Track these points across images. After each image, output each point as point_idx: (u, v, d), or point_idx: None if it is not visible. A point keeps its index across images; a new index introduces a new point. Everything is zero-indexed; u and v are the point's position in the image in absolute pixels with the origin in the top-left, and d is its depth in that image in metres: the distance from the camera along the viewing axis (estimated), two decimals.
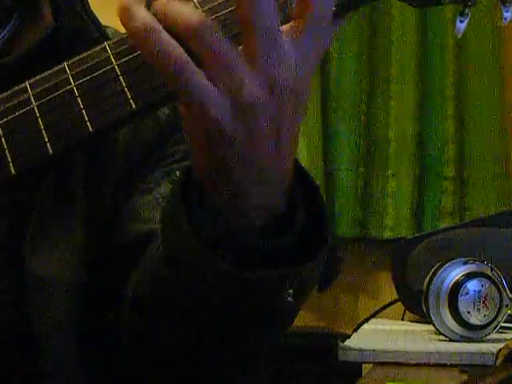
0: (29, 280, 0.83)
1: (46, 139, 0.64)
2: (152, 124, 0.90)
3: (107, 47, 0.66)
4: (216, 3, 0.65)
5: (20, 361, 0.83)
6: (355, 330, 1.48)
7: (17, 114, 0.65)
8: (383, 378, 1.07)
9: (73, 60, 0.66)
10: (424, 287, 1.33)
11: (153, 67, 0.61)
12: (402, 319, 1.80)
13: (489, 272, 1.30)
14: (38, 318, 0.83)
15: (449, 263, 1.33)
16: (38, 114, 0.65)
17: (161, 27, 0.60)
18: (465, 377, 1.05)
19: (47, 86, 0.65)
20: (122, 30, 0.95)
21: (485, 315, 1.29)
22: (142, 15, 0.60)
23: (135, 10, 0.60)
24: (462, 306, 1.28)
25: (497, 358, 0.95)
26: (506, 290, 1.30)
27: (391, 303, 1.74)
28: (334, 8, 0.67)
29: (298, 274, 0.69)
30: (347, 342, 1.25)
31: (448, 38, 2.41)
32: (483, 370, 1.08)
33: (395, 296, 1.73)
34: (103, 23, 0.92)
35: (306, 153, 2.41)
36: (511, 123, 2.44)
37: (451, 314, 1.29)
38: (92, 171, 0.87)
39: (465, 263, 1.32)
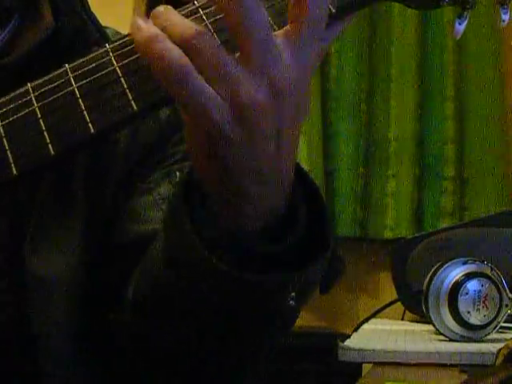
0: (29, 280, 0.83)
1: (48, 140, 0.64)
2: (152, 124, 0.90)
3: (108, 49, 0.66)
4: (214, 7, 0.65)
5: (20, 361, 0.83)
6: (355, 330, 1.48)
7: (18, 115, 0.65)
8: (383, 378, 1.07)
9: (74, 62, 0.66)
10: (424, 287, 1.33)
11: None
12: (402, 319, 1.80)
13: (489, 272, 1.30)
14: (37, 318, 0.83)
15: (449, 263, 1.33)
16: (39, 115, 0.65)
17: (164, 35, 0.61)
18: (465, 377, 1.05)
19: (49, 87, 0.66)
20: (122, 30, 0.95)
21: (485, 315, 1.28)
22: (148, 26, 0.62)
23: (141, 23, 0.62)
24: (462, 306, 1.28)
25: (497, 357, 0.95)
26: (505, 290, 1.30)
27: (391, 303, 1.74)
28: (334, 11, 0.67)
29: (299, 277, 0.69)
30: (347, 342, 1.25)
31: (448, 38, 2.41)
32: (483, 369, 1.08)
33: (395, 296, 1.73)
34: (103, 23, 0.92)
35: (305, 153, 2.41)
36: (511, 123, 2.45)
37: (451, 314, 1.29)
38: (93, 172, 0.87)
39: (465, 263, 1.31)
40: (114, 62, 0.65)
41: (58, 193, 0.86)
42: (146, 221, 0.86)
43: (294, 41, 0.63)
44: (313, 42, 0.63)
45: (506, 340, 1.23)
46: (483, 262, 1.32)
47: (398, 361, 1.17)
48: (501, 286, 1.30)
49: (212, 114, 0.61)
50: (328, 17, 0.65)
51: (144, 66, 0.64)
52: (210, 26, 0.65)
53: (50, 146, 0.64)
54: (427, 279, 1.33)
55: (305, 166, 0.72)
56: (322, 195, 0.72)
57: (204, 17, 0.65)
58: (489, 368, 1.07)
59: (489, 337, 1.29)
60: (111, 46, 0.66)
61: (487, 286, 1.29)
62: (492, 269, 1.31)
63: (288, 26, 0.63)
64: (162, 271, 0.74)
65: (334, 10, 0.67)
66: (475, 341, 1.27)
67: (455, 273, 1.31)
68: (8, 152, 0.64)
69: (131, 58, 0.65)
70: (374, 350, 1.19)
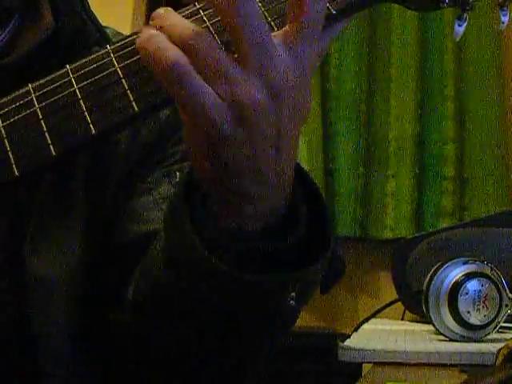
0: (29, 280, 0.83)
1: (49, 141, 0.64)
2: (152, 124, 0.90)
3: (109, 50, 0.66)
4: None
5: (20, 361, 0.83)
6: (355, 330, 1.48)
7: (20, 115, 0.66)
8: (383, 378, 1.07)
9: (75, 63, 0.66)
10: (424, 287, 1.33)
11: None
12: (402, 319, 1.80)
13: (489, 272, 1.30)
14: (37, 318, 0.83)
15: (449, 263, 1.33)
16: (40, 116, 0.65)
17: (163, 35, 0.61)
18: (465, 377, 1.05)
19: (50, 88, 0.66)
20: (122, 30, 0.95)
21: (485, 315, 1.28)
22: (147, 27, 0.63)
23: (144, 28, 0.63)
24: (462, 306, 1.28)
25: (497, 358, 0.95)
26: (505, 290, 1.30)
27: (391, 303, 1.74)
28: (334, 12, 0.67)
29: (300, 277, 0.69)
30: (347, 342, 1.25)
31: (448, 39, 2.41)
32: (483, 369, 1.08)
33: (395, 296, 1.73)
34: (103, 23, 0.92)
35: (305, 153, 2.41)
36: (511, 123, 2.45)
37: (451, 314, 1.29)
38: (93, 173, 0.87)
39: (465, 263, 1.31)
40: (115, 63, 0.66)
41: (58, 193, 0.86)
42: (146, 221, 0.87)
43: (292, 41, 0.63)
44: (312, 42, 0.63)
45: (506, 340, 1.23)
46: (483, 262, 1.32)
47: (398, 361, 1.17)
48: (501, 286, 1.30)
49: (211, 114, 0.61)
50: (328, 18, 0.65)
51: (145, 67, 0.64)
52: (210, 28, 0.65)
53: (51, 146, 0.64)
54: (427, 279, 1.33)
55: (305, 166, 0.72)
56: (323, 195, 0.72)
57: (205, 18, 0.66)
58: (489, 368, 1.07)
59: (489, 337, 1.29)
60: (112, 47, 0.66)
61: (487, 286, 1.29)
62: (492, 269, 1.30)
63: (287, 27, 0.63)
64: (162, 271, 0.74)
65: (334, 12, 0.67)
66: (475, 341, 1.27)
67: (455, 273, 1.31)
68: (9, 153, 0.65)
69: (132, 59, 0.65)
70: (374, 350, 1.19)
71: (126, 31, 0.95)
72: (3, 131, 0.65)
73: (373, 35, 2.49)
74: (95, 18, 0.91)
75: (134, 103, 0.64)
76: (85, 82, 0.66)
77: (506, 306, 1.29)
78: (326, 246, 0.70)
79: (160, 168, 0.90)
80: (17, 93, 0.67)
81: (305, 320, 2.29)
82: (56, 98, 0.66)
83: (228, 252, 0.68)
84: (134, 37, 0.66)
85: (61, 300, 0.84)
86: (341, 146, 2.49)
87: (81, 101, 0.65)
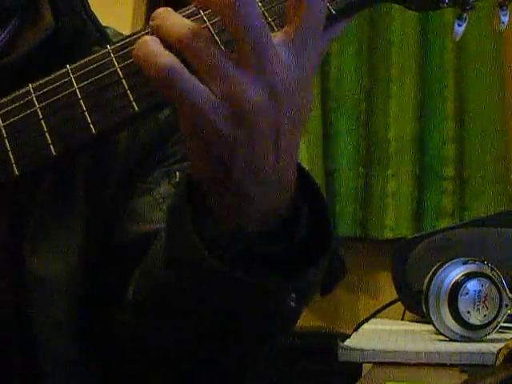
0: (29, 280, 0.83)
1: (50, 141, 0.65)
2: (152, 124, 0.90)
3: (110, 50, 0.66)
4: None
5: (20, 361, 0.83)
6: (355, 330, 1.48)
7: (20, 115, 0.66)
8: (383, 378, 1.07)
9: (76, 63, 0.67)
10: (424, 287, 1.33)
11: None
12: (402, 319, 1.80)
13: (489, 272, 1.30)
14: (37, 318, 0.83)
15: (449, 263, 1.33)
16: (41, 116, 0.65)
17: (155, 38, 0.62)
18: (465, 377, 1.05)
19: (50, 88, 0.66)
20: (122, 30, 0.95)
21: (485, 315, 1.28)
22: (146, 36, 0.63)
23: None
24: (462, 306, 1.28)
25: (497, 358, 0.95)
26: (505, 290, 1.30)
27: (391, 303, 1.74)
28: (334, 12, 0.67)
29: (300, 278, 0.69)
30: (347, 342, 1.25)
31: (448, 39, 2.41)
32: (483, 370, 1.08)
33: (395, 296, 1.73)
34: (103, 23, 0.92)
35: (305, 153, 2.41)
36: (511, 123, 2.45)
37: (451, 314, 1.29)
38: (94, 173, 0.87)
39: (465, 263, 1.32)
40: (116, 63, 0.66)
41: (58, 193, 0.86)
42: (147, 221, 0.87)
43: (292, 41, 0.63)
44: (312, 42, 0.63)
45: (506, 340, 1.23)
46: (483, 262, 1.32)
47: (398, 361, 1.17)
48: (501, 286, 1.30)
49: (208, 114, 0.61)
50: (328, 18, 0.65)
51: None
52: (210, 27, 0.65)
53: (51, 146, 0.64)
54: (427, 279, 1.33)
55: (305, 166, 0.72)
56: (324, 195, 0.72)
57: (205, 18, 0.66)
58: (489, 368, 1.07)
59: (489, 337, 1.29)
60: (112, 47, 0.66)
61: (487, 285, 1.29)
62: (492, 269, 1.31)
63: (287, 27, 0.63)
64: (163, 271, 0.74)
65: (333, 12, 0.67)
66: (475, 341, 1.27)
67: (455, 273, 1.31)
68: (10, 153, 0.65)
69: (132, 60, 0.65)
70: (374, 350, 1.19)
71: (126, 31, 0.95)
72: (3, 131, 0.65)
73: (373, 35, 2.49)
74: (95, 17, 0.91)
75: (134, 103, 0.64)
76: (85, 82, 0.66)
77: (506, 305, 1.29)
78: (327, 246, 0.70)
79: (160, 168, 0.90)
80: (17, 93, 0.67)
81: (305, 320, 2.29)
82: (56, 97, 0.66)
83: (228, 252, 0.68)
84: (135, 37, 0.66)
85: (61, 300, 0.84)
86: (341, 146, 2.49)
87: (81, 101, 0.65)
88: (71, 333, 0.85)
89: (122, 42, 0.66)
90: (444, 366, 1.15)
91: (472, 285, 1.29)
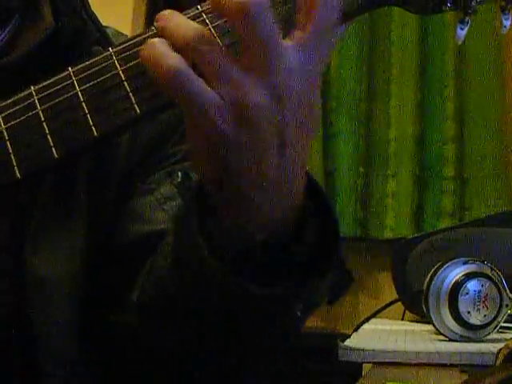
0: (29, 280, 0.83)
1: (51, 143, 0.65)
2: (152, 125, 0.90)
3: (112, 53, 0.66)
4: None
5: (20, 361, 0.83)
6: (355, 330, 1.48)
7: (22, 118, 0.66)
8: (383, 378, 1.07)
9: (78, 66, 0.67)
10: (424, 287, 1.33)
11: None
12: (402, 319, 1.80)
13: (489, 272, 1.30)
14: (38, 319, 0.83)
15: (449, 263, 1.33)
16: (43, 119, 0.65)
17: (163, 40, 0.62)
18: (465, 377, 1.05)
19: (52, 90, 0.66)
20: (122, 30, 0.95)
21: (485, 315, 1.29)
22: (155, 38, 0.63)
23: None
24: (462, 306, 1.28)
25: (497, 358, 0.95)
26: (506, 290, 1.30)
27: (391, 303, 1.74)
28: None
29: (303, 291, 0.68)
30: (347, 342, 1.25)
31: (448, 39, 2.41)
32: (483, 370, 1.08)
33: (395, 296, 1.73)
34: (103, 23, 0.92)
35: None
36: (511, 123, 2.44)
37: (451, 314, 1.29)
38: (95, 175, 0.87)
39: (465, 263, 1.32)
40: (118, 66, 0.66)
41: (59, 195, 0.86)
42: (148, 221, 0.86)
43: (302, 46, 0.62)
44: (322, 47, 0.63)
45: (506, 340, 1.23)
46: (483, 262, 1.32)
47: (398, 361, 1.17)
48: (501, 286, 1.30)
49: (211, 115, 0.61)
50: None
51: (147, 70, 0.64)
52: (212, 30, 0.65)
53: (53, 149, 0.64)
54: (427, 279, 1.34)
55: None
56: (335, 210, 0.71)
57: (207, 21, 0.66)
58: (489, 368, 1.07)
59: (489, 337, 1.29)
60: (115, 49, 0.66)
61: (487, 285, 1.29)
62: (492, 269, 1.31)
63: (296, 32, 0.63)
64: (169, 271, 0.74)
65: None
66: (475, 341, 1.27)
67: (455, 273, 1.31)
68: (11, 155, 0.65)
69: (135, 62, 0.65)
70: (373, 350, 1.19)
71: (126, 31, 0.95)
72: (5, 133, 0.65)
73: (373, 35, 2.49)
74: (95, 17, 0.91)
75: (136, 106, 0.65)
76: (87, 85, 0.66)
77: (506, 305, 1.29)
78: (334, 259, 0.69)
79: (161, 168, 0.90)
80: (19, 95, 0.67)
81: None
82: (58, 100, 0.66)
83: (228, 252, 0.68)
84: (137, 39, 0.66)
85: (61, 300, 0.84)
86: (341, 146, 2.49)
87: (83, 103, 0.65)
88: (71, 333, 0.85)
89: (125, 45, 0.67)
90: (444, 366, 1.15)
91: (472, 285, 1.29)
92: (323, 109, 2.47)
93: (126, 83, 0.65)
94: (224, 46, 0.63)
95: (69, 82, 0.66)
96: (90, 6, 0.91)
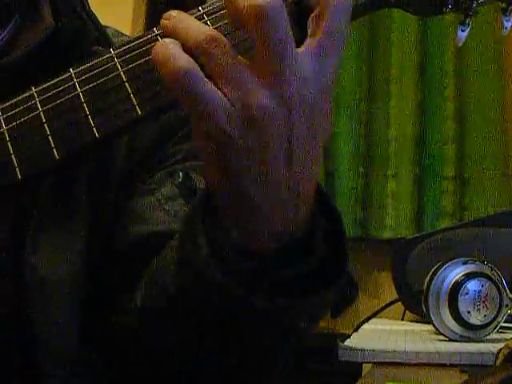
0: (29, 281, 0.83)
1: (53, 144, 0.65)
2: (152, 125, 0.90)
3: (113, 55, 0.66)
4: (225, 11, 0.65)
5: (20, 361, 0.83)
6: (355, 330, 1.48)
7: (23, 119, 0.66)
8: (383, 378, 1.07)
9: (79, 67, 0.67)
10: (424, 287, 1.33)
11: (159, 75, 0.62)
12: (402, 319, 1.80)
13: (489, 272, 1.30)
14: (38, 318, 0.83)
15: (449, 263, 1.33)
16: (44, 120, 0.65)
17: (177, 43, 0.61)
18: (465, 377, 1.05)
19: (54, 92, 0.66)
20: (122, 30, 0.95)
21: (485, 315, 1.29)
22: (166, 39, 0.63)
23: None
24: (462, 306, 1.28)
25: (497, 358, 0.95)
26: (506, 290, 1.30)
27: (391, 303, 1.74)
28: None
29: (306, 304, 0.68)
30: (347, 342, 1.25)
31: (448, 39, 2.41)
32: (483, 370, 1.08)
33: (395, 296, 1.73)
34: (103, 23, 0.92)
35: None
36: (511, 123, 2.44)
37: (451, 314, 1.29)
38: (96, 176, 0.87)
39: (465, 263, 1.32)
40: (119, 67, 0.66)
41: (60, 196, 0.86)
42: (149, 221, 0.86)
43: (315, 54, 0.62)
44: (334, 56, 0.63)
45: (506, 340, 1.23)
46: (483, 262, 1.32)
47: (398, 361, 1.17)
48: (501, 286, 1.30)
49: (219, 119, 0.61)
50: None
51: (148, 71, 0.64)
52: None
53: (54, 150, 0.65)
54: (427, 279, 1.34)
55: None
56: (343, 221, 0.71)
57: (209, 23, 0.66)
58: (489, 368, 1.07)
59: (489, 337, 1.29)
60: (116, 51, 0.67)
61: (487, 285, 1.29)
62: (492, 269, 1.31)
63: (309, 39, 0.63)
64: (172, 272, 0.74)
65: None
66: (475, 341, 1.27)
67: (455, 273, 1.31)
68: (12, 156, 0.65)
69: (136, 63, 0.65)
70: (373, 350, 1.19)
71: (126, 31, 0.95)
72: (6, 134, 0.65)
73: (373, 35, 2.49)
74: (95, 17, 0.91)
75: (137, 107, 0.65)
76: (88, 86, 0.66)
77: (506, 305, 1.29)
78: (341, 272, 0.69)
79: (162, 168, 0.90)
80: (20, 97, 0.67)
81: None
82: (59, 101, 0.66)
83: (228, 252, 0.68)
84: (139, 41, 0.66)
85: (62, 301, 0.84)
86: (341, 146, 2.49)
87: (84, 105, 0.65)
88: (71, 333, 0.85)
89: (126, 47, 0.67)
90: (444, 366, 1.15)
91: (472, 285, 1.29)
92: None
93: (127, 84, 0.65)
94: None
95: (70, 83, 0.66)
96: (89, 6, 0.91)
